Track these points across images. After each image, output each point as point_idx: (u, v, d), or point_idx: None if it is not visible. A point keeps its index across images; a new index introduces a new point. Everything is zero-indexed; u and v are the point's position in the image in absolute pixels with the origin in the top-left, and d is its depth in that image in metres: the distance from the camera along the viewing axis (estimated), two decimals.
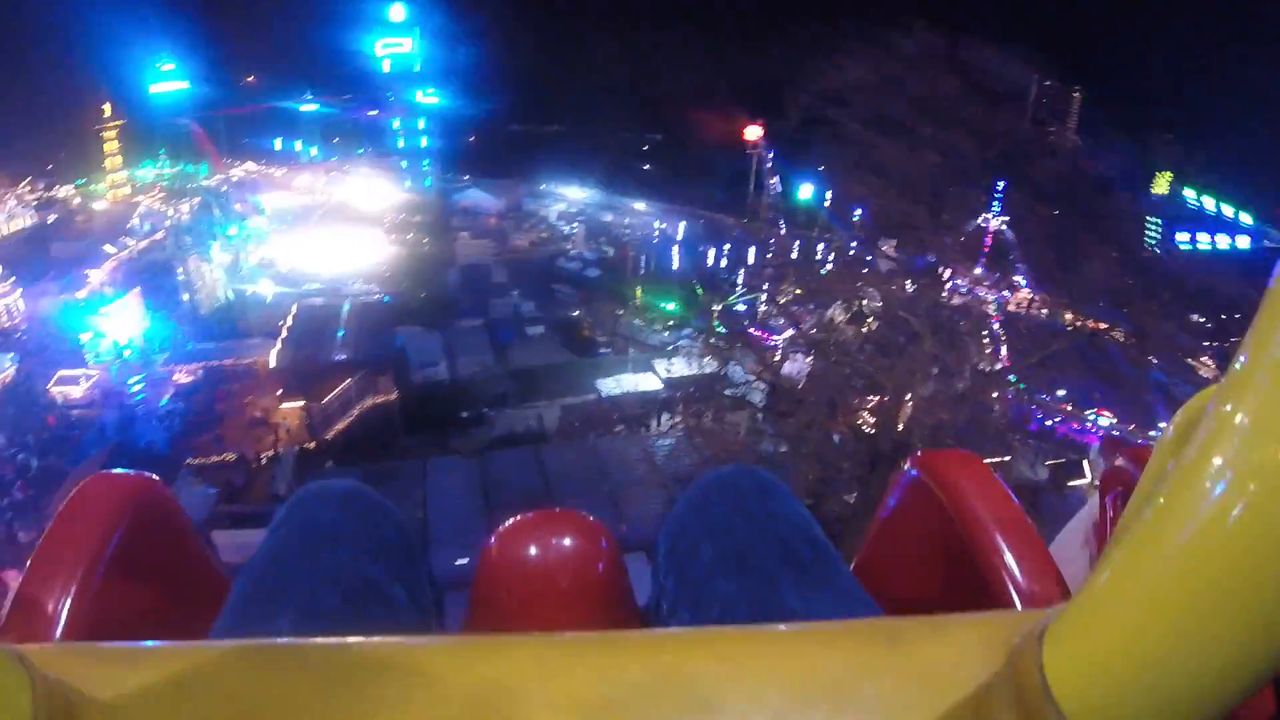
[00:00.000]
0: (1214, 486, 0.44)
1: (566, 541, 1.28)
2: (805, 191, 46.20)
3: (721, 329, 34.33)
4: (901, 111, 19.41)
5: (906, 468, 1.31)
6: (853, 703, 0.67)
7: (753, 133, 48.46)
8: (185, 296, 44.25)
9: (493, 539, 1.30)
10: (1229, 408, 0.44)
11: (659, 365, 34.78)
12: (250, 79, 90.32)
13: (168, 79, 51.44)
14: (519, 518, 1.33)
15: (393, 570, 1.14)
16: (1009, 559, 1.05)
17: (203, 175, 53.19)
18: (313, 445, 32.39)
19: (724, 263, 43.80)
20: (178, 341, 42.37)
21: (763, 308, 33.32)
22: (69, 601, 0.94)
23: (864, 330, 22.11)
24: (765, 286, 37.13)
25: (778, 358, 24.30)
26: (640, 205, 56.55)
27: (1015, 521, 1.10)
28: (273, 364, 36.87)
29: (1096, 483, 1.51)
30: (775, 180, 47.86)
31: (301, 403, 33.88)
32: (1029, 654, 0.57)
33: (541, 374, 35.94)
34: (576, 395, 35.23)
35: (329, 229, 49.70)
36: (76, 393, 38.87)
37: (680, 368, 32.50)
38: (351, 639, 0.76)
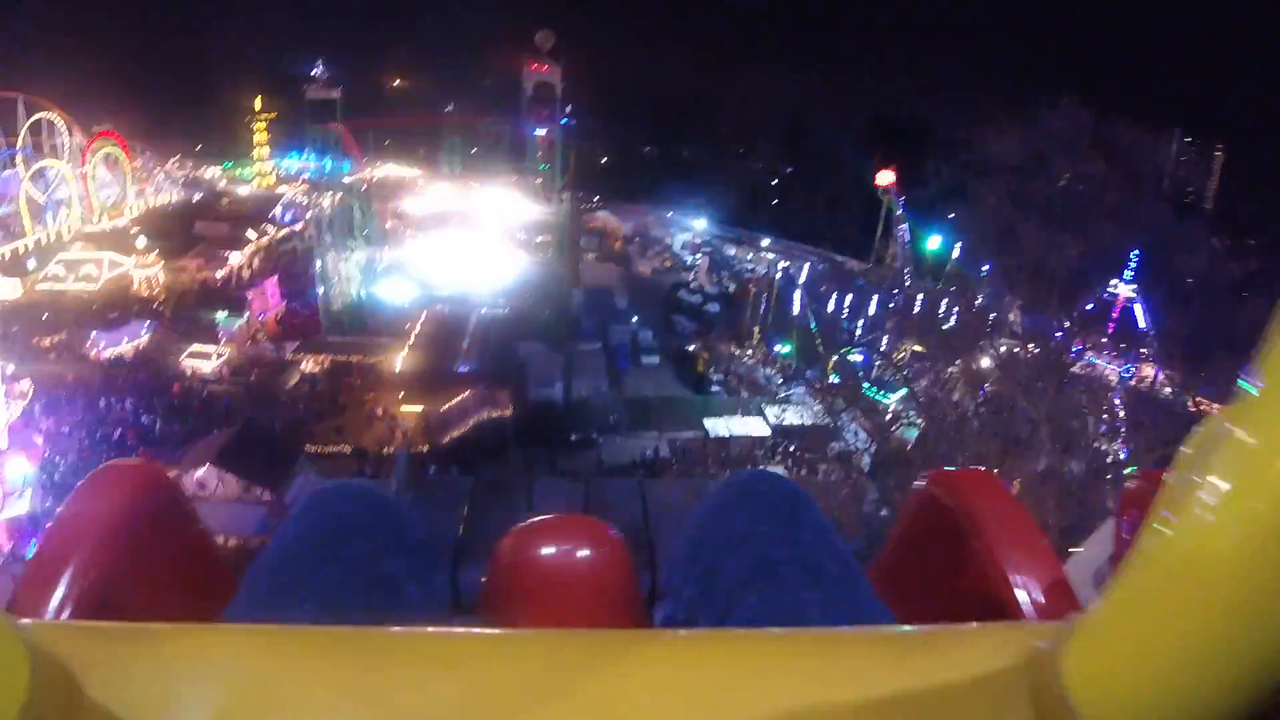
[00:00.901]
0: (1226, 503, 0.47)
1: (580, 548, 1.33)
2: (934, 242, 46.21)
3: (835, 379, 35.06)
4: (1041, 190, 19.81)
5: (921, 485, 1.36)
6: (869, 708, 0.68)
7: (885, 178, 48.55)
8: (320, 289, 46.02)
9: (505, 542, 1.36)
10: (1236, 428, 0.47)
11: (770, 410, 34.91)
12: (397, 82, 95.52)
13: (321, 87, 54.69)
14: (533, 521, 1.39)
15: (410, 570, 1.17)
16: (1022, 575, 1.08)
17: (345, 172, 55.97)
18: (426, 449, 33.36)
19: (845, 310, 43.91)
20: (309, 331, 44.54)
21: (878, 363, 33.84)
22: (75, 587, 0.98)
23: (979, 394, 22.40)
24: (884, 340, 37.61)
25: (889, 417, 24.87)
26: (765, 241, 57.20)
27: (1029, 538, 1.14)
28: (398, 367, 38.24)
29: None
30: (904, 227, 47.86)
31: (421, 406, 35.03)
32: (1048, 664, 0.60)
33: (653, 405, 36.30)
34: (685, 431, 35.60)
35: (462, 238, 51.03)
36: (206, 368, 41.26)
37: (791, 416, 33.14)
38: (362, 627, 0.80)
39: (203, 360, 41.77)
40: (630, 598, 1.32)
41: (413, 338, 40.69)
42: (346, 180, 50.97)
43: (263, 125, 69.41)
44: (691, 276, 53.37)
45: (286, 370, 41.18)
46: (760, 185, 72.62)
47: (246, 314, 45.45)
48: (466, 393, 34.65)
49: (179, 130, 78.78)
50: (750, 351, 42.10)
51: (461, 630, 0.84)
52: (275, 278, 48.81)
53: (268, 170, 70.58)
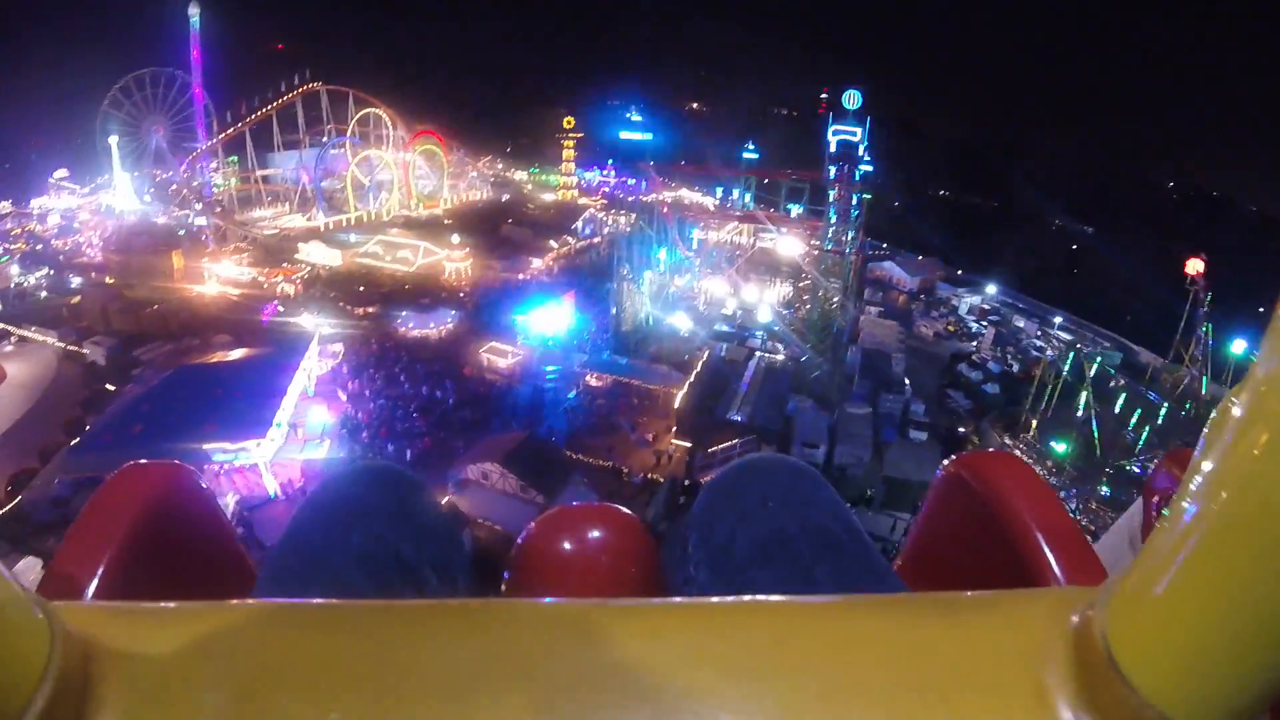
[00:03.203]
0: (1219, 471, 0.53)
1: (600, 534, 1.40)
2: (1239, 346, 44.26)
3: (1106, 491, 34.84)
4: None
5: (947, 467, 1.37)
6: (908, 673, 0.68)
7: (1193, 266, 46.50)
8: (613, 308, 49.58)
9: (528, 530, 1.43)
10: (1233, 402, 0.53)
11: None
12: (697, 106, 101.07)
13: (634, 129, 59.34)
14: (555, 510, 1.47)
15: (426, 552, 1.20)
16: (1052, 551, 1.11)
17: (642, 193, 60.25)
18: (686, 483, 35.13)
19: (1134, 415, 42.27)
20: (596, 347, 48.38)
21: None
22: (100, 579, 1.02)
23: None
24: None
25: None
26: (1058, 319, 55.21)
27: (1057, 517, 1.16)
28: (676, 403, 40.45)
29: None
30: (1208, 327, 46.01)
31: (689, 443, 37.51)
32: (1091, 625, 0.63)
33: (913, 488, 34.83)
34: None
35: (747, 275, 52.75)
36: (501, 363, 46.27)
37: None
38: (381, 601, 0.81)
39: (499, 356, 46.80)
40: (651, 583, 1.41)
41: (693, 375, 43.00)
42: (644, 200, 54.14)
43: (571, 143, 76.30)
44: (974, 347, 52.03)
45: (570, 380, 45.14)
46: (1058, 251, 68.84)
47: (543, 321, 50.17)
48: (734, 440, 36.53)
49: (492, 132, 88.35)
50: (1023, 446, 40.48)
51: (480, 601, 0.85)
52: (572, 293, 53.12)
53: (571, 184, 77.46)
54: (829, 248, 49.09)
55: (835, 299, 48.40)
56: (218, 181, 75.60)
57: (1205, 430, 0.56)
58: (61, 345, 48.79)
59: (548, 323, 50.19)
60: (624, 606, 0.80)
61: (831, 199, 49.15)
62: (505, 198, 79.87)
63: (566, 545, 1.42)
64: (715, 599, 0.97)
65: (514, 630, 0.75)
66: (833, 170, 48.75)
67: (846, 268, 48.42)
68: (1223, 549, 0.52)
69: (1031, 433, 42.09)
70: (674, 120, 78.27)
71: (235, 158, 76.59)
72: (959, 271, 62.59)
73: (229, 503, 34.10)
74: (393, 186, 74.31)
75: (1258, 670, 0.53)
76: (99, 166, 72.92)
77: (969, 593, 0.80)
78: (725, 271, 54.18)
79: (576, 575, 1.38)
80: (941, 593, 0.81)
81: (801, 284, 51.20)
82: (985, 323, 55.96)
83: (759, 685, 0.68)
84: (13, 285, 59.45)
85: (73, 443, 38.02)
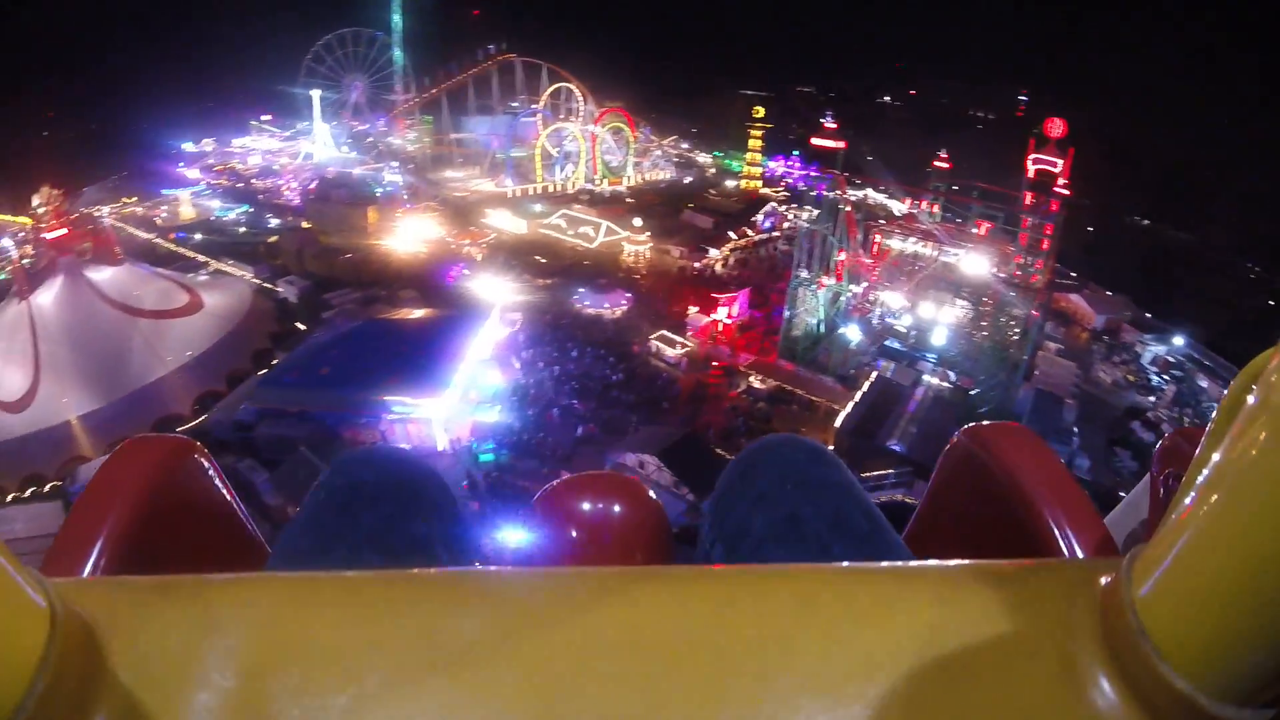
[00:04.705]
0: (1234, 450, 0.55)
1: (613, 503, 1.43)
2: None
3: None
4: None
5: (956, 440, 1.39)
6: (936, 640, 0.70)
7: None
8: (786, 311, 49.59)
9: (540, 497, 1.46)
10: (1251, 384, 0.55)
11: None
12: (890, 99, 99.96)
13: (828, 135, 59.48)
14: (568, 477, 1.50)
15: (436, 530, 1.25)
16: (1063, 525, 1.12)
17: (826, 189, 59.98)
18: None
19: None
20: (765, 348, 49.08)
21: None
22: (104, 554, 1.03)
23: None
24: None
25: None
26: None
27: (1068, 489, 1.18)
28: (838, 421, 40.42)
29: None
30: None
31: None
32: (1119, 596, 0.64)
33: None
34: None
35: (925, 292, 51.89)
36: (669, 353, 47.90)
37: None
38: (389, 570, 0.82)
39: (667, 346, 48.41)
40: (663, 554, 1.46)
41: (858, 394, 42.97)
42: (828, 198, 52.94)
43: (759, 132, 77.24)
44: (1151, 403, 49.25)
45: (735, 379, 46.45)
46: (1253, 304, 64.38)
47: (714, 315, 51.44)
48: (889, 470, 36.59)
49: (679, 113, 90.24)
50: None
51: (490, 569, 0.85)
52: (747, 290, 54.15)
53: (756, 174, 78.36)
54: (1016, 277, 48.12)
55: (1016, 332, 47.27)
56: (412, 137, 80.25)
57: (1215, 412, 0.61)
58: (257, 281, 53.26)
59: (721, 318, 51.26)
60: (642, 573, 0.85)
61: (1024, 226, 48.15)
62: (688, 180, 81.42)
63: (578, 514, 1.46)
64: (737, 566, 1.10)
65: (531, 597, 0.77)
66: (1028, 196, 47.58)
67: (1030, 301, 46.89)
68: (1245, 526, 0.53)
69: None
70: (865, 116, 77.57)
71: (430, 118, 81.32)
72: (1147, 314, 59.07)
73: None
74: (579, 160, 76.96)
75: None
76: (298, 113, 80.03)
77: (991, 562, 0.83)
78: (903, 285, 53.68)
79: (589, 543, 1.43)
80: (965, 561, 0.85)
81: (982, 308, 50.08)
82: (1167, 377, 52.69)
83: (785, 651, 0.71)
84: (213, 219, 65.25)
85: (261, 373, 42.19)
